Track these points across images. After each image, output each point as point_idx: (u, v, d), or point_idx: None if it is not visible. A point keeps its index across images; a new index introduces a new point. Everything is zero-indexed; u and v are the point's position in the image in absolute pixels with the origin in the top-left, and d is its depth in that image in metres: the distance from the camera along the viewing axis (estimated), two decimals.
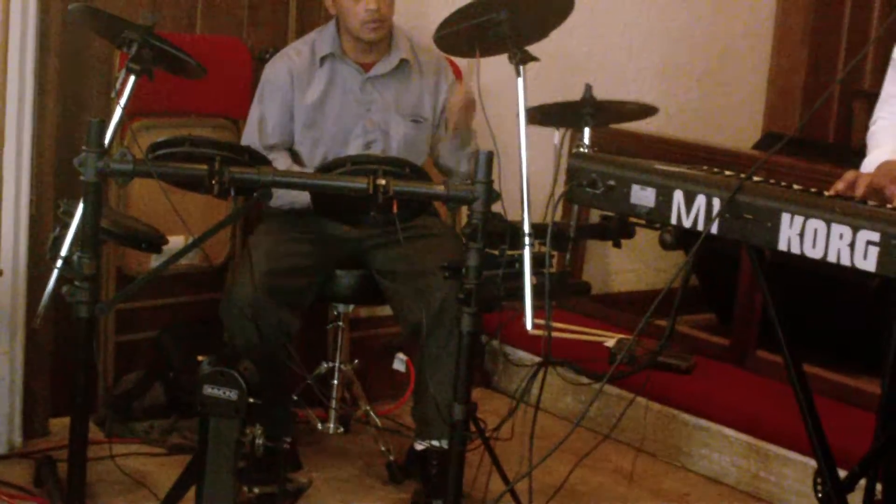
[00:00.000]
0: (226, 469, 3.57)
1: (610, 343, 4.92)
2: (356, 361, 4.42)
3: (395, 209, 3.42)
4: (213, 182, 3.27)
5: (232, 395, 3.53)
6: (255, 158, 3.41)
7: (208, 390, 3.54)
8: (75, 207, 3.59)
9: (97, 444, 4.12)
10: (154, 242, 3.80)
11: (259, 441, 3.68)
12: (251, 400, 3.55)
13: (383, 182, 3.34)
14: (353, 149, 4.15)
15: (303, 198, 3.97)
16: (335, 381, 4.32)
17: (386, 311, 4.65)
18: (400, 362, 4.66)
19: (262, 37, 4.70)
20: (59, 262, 3.42)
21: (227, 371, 3.53)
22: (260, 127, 4.17)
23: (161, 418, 4.43)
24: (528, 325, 3.57)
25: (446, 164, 4.23)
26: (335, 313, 4.35)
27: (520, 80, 3.68)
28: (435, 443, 3.99)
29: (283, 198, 4.04)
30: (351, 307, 4.35)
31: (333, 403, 4.32)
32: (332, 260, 4.11)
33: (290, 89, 4.17)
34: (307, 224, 4.09)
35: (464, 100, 4.06)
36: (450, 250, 4.03)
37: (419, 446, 4.06)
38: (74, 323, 3.33)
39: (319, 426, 4.34)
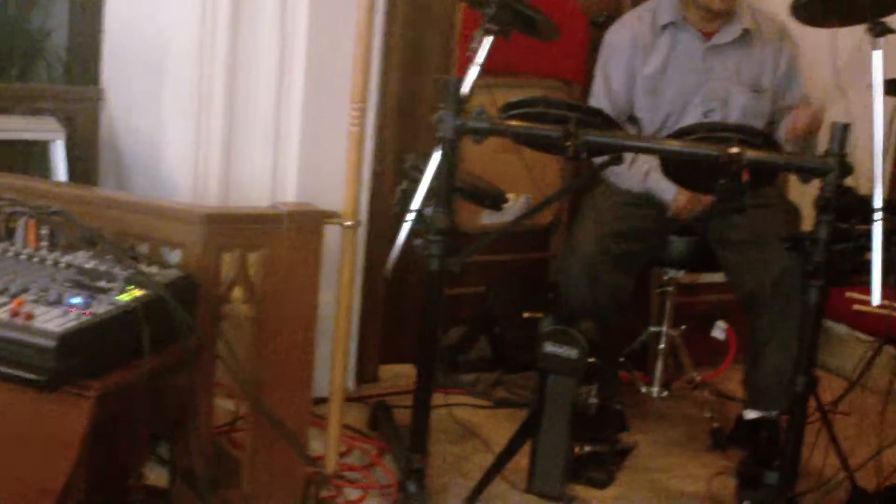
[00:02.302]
0: (561, 426, 3.64)
1: None
2: (683, 327, 4.41)
3: (745, 178, 3.40)
4: (568, 144, 3.31)
5: (572, 353, 3.59)
6: (608, 122, 3.44)
7: (548, 348, 3.61)
8: (422, 162, 3.71)
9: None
10: (497, 200, 3.88)
11: (592, 400, 3.75)
12: (590, 359, 3.61)
13: (737, 150, 3.33)
14: (692, 117, 4.13)
15: (637, 186, 4.05)
16: (661, 346, 4.34)
17: (708, 278, 4.66)
18: (720, 330, 4.65)
19: (597, 1, 4.73)
20: (411, 216, 3.54)
21: (569, 330, 3.59)
22: (605, 92, 4.19)
23: (486, 372, 4.54)
24: (875, 301, 3.49)
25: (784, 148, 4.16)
26: (664, 278, 4.35)
27: (876, 53, 3.59)
28: (766, 413, 3.97)
29: (622, 181, 4.08)
30: (681, 273, 4.34)
31: (659, 367, 4.35)
32: (666, 225, 4.12)
33: (632, 55, 4.18)
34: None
35: (809, 122, 3.97)
36: (787, 221, 4.01)
37: (750, 415, 4.03)
38: (427, 275, 3.43)
39: (643, 389, 4.37)
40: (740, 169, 3.34)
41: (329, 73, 3.92)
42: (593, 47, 4.51)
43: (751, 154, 3.32)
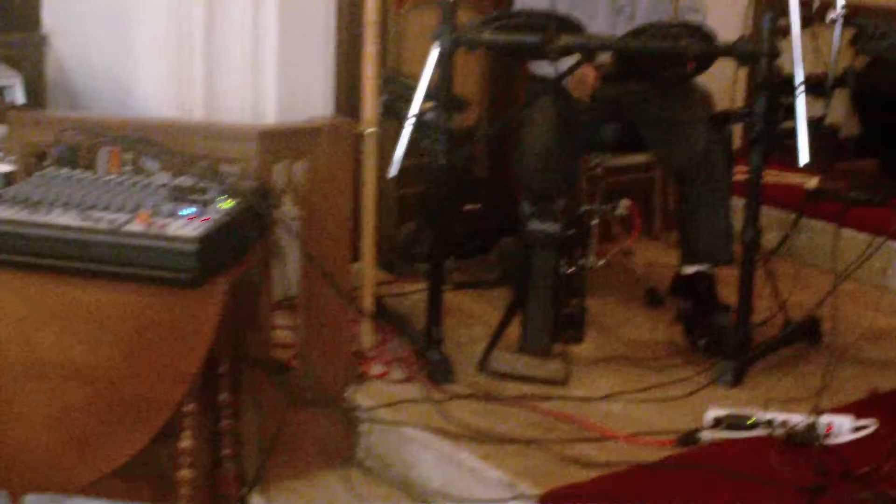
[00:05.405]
0: (546, 293, 4.18)
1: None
2: (615, 203, 5.00)
3: (690, 66, 4.04)
4: (550, 48, 3.87)
5: (554, 228, 4.14)
6: (576, 27, 4.00)
7: (533, 225, 4.14)
8: (396, 74, 4.22)
9: (390, 284, 4.84)
10: (462, 105, 4.38)
11: (563, 269, 4.32)
12: (569, 232, 4.18)
13: (686, 43, 3.95)
14: (604, 13, 4.62)
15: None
16: (594, 222, 4.94)
17: (613, 162, 5.24)
18: (623, 208, 5.26)
19: None
20: (411, 121, 4.02)
21: (550, 207, 4.14)
22: None
23: None
24: (803, 161, 4.14)
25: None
26: (594, 162, 4.94)
27: None
28: (703, 267, 4.60)
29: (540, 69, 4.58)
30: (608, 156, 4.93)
31: (594, 241, 4.94)
32: (599, 115, 4.70)
33: None
34: None
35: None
36: (703, 101, 4.63)
37: (689, 270, 4.63)
38: (436, 170, 3.98)
39: (581, 261, 4.95)
40: (689, 59, 3.97)
41: (301, 7, 4.36)
42: None
43: (699, 46, 3.96)
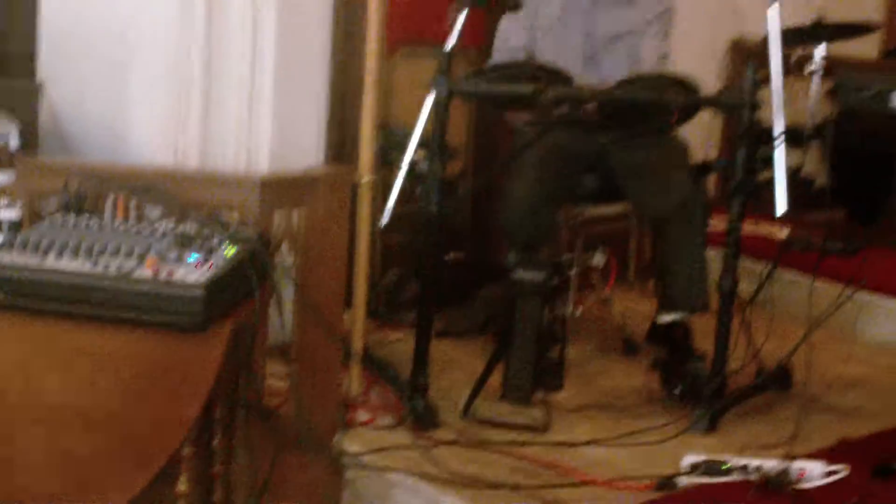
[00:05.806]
0: (530, 341, 4.26)
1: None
2: (593, 253, 5.11)
3: (675, 116, 4.17)
4: (541, 98, 3.98)
5: (539, 276, 4.23)
6: (566, 79, 4.12)
7: (519, 274, 4.24)
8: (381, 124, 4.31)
9: (374, 331, 4.88)
10: (452, 155, 4.48)
11: (545, 318, 4.41)
12: (554, 280, 4.27)
13: (671, 94, 4.08)
14: (577, 62, 4.70)
15: None
16: (574, 271, 5.03)
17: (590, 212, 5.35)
18: (600, 257, 5.37)
19: None
20: (404, 170, 4.13)
21: (535, 256, 4.24)
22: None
23: None
24: (780, 211, 4.26)
25: None
26: (575, 212, 5.03)
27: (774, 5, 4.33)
28: (679, 316, 4.70)
29: None
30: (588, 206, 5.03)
31: (573, 290, 5.04)
32: (580, 166, 4.82)
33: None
34: (563, 137, 4.76)
35: None
36: (682, 152, 4.75)
37: (665, 319, 4.74)
38: (427, 217, 4.06)
39: (562, 310, 5.05)
40: (673, 109, 4.10)
41: (297, 59, 4.45)
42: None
43: (683, 97, 4.08)
